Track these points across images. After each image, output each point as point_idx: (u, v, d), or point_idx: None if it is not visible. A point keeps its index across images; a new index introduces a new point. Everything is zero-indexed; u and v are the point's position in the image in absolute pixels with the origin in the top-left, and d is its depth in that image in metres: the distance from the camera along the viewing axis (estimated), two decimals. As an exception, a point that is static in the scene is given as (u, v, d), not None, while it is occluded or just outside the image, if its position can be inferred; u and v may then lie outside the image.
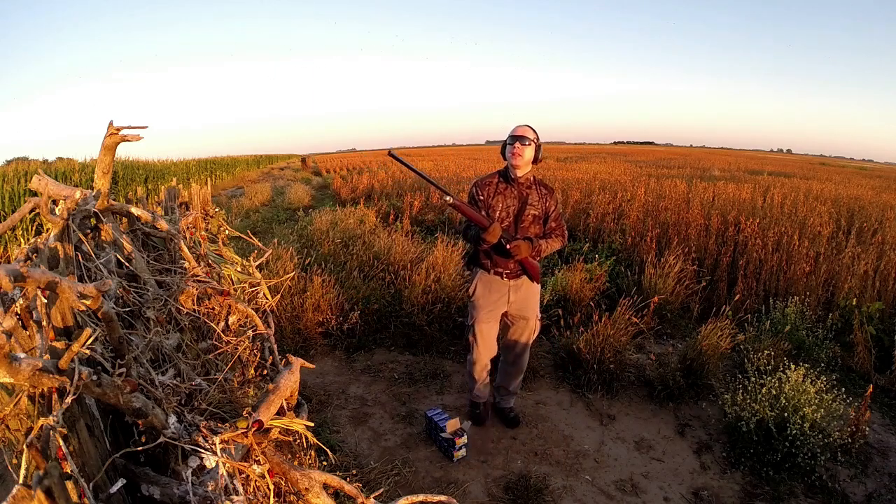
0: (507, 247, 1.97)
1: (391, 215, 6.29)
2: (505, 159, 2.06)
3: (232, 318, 1.60)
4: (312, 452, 1.46)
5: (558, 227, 2.11)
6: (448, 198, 1.91)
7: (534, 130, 2.02)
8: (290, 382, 1.22)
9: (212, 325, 1.50)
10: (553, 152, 27.59)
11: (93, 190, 1.52)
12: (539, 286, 2.19)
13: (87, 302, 0.83)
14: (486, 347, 2.22)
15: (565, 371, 2.83)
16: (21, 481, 0.69)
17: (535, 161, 2.04)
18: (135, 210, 1.56)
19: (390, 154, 1.96)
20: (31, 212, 1.47)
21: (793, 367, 2.27)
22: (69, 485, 0.73)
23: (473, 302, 2.18)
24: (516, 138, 1.99)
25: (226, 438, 0.98)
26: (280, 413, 1.21)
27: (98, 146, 1.50)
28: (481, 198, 2.07)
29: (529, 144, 1.99)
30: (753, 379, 2.33)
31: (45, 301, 0.86)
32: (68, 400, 0.74)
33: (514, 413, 2.40)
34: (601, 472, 2.10)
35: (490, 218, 2.01)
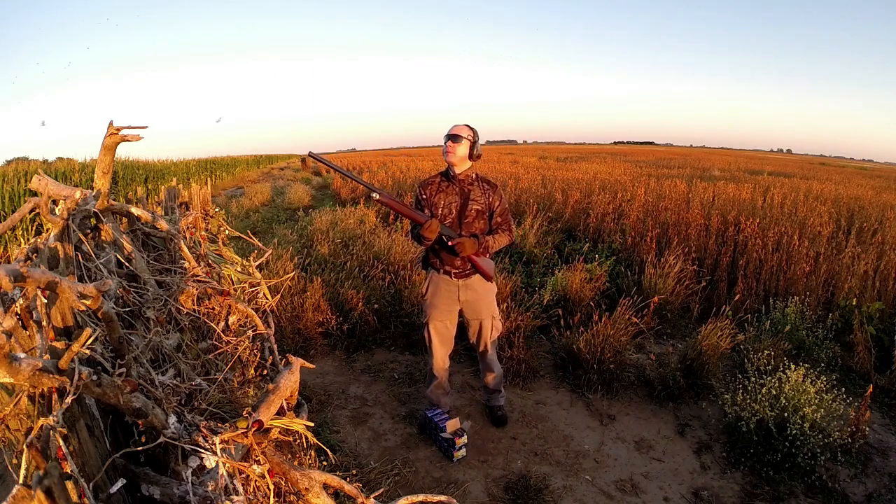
0: (450, 244, 2.01)
1: (391, 215, 6.28)
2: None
3: (232, 318, 1.60)
4: (312, 452, 1.46)
5: (504, 221, 2.14)
6: (375, 194, 1.96)
7: (470, 128, 2.09)
8: (290, 382, 1.22)
9: (212, 325, 1.50)
10: (553, 152, 27.58)
11: (93, 190, 1.52)
12: (494, 285, 2.22)
13: (87, 302, 0.83)
14: (440, 345, 2.25)
15: (565, 371, 2.83)
16: (21, 481, 0.69)
17: (472, 157, 2.10)
18: (135, 210, 1.56)
19: (311, 155, 2.03)
20: (31, 212, 1.47)
21: (793, 367, 2.27)
22: (69, 485, 0.73)
23: (426, 301, 2.22)
24: (449, 136, 2.07)
25: (226, 438, 0.98)
26: (280, 413, 1.21)
27: (98, 146, 1.50)
28: (424, 196, 2.12)
29: (461, 142, 2.05)
30: (753, 379, 2.33)
31: (45, 301, 0.86)
32: (68, 400, 0.74)
33: (501, 412, 2.40)
34: (601, 472, 2.10)
35: (432, 215, 2.06)
